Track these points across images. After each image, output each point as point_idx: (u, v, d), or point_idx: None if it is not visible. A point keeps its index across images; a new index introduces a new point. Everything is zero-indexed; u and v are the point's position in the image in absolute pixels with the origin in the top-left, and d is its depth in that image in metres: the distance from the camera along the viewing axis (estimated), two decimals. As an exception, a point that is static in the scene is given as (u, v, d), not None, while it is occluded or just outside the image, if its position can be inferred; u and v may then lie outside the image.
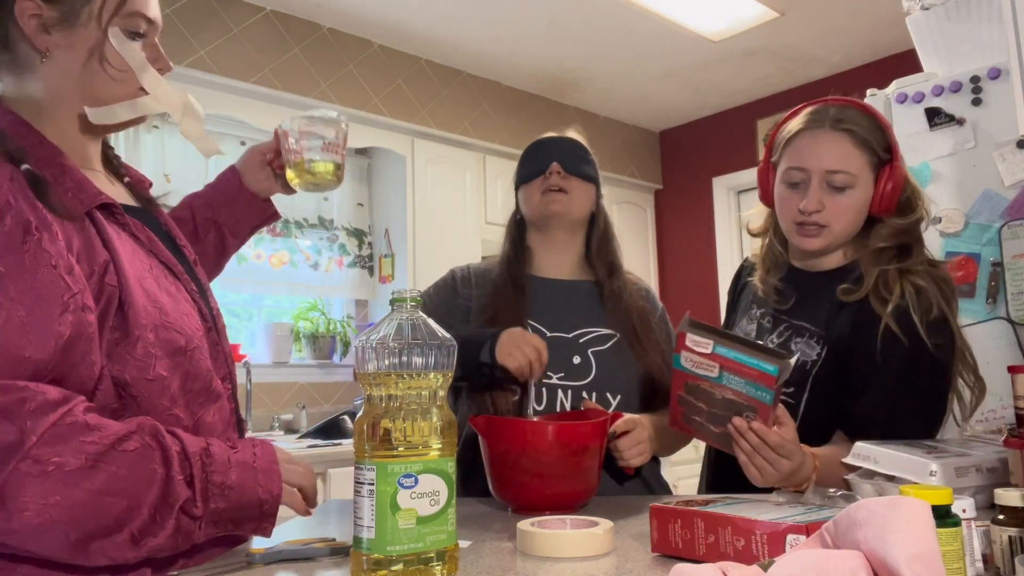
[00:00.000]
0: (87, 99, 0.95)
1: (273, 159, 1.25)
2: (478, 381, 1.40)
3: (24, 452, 0.74)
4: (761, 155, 1.65)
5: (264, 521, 0.87)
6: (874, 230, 1.32)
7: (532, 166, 1.50)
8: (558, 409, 1.37)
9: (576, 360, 1.41)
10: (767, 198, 1.41)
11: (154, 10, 0.99)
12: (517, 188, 1.56)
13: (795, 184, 1.31)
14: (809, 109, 1.33)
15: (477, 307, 1.48)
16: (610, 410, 1.37)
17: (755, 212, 1.50)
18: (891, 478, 1.02)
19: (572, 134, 1.57)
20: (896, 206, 1.31)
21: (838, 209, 1.28)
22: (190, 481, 0.82)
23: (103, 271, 0.86)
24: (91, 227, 0.89)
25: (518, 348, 1.31)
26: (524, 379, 1.33)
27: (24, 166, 0.85)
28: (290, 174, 1.21)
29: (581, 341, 1.43)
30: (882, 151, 1.29)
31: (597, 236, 1.54)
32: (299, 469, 0.94)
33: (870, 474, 1.06)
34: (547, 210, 1.48)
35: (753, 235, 1.50)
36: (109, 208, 0.94)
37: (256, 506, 0.86)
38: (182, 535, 0.81)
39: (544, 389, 1.39)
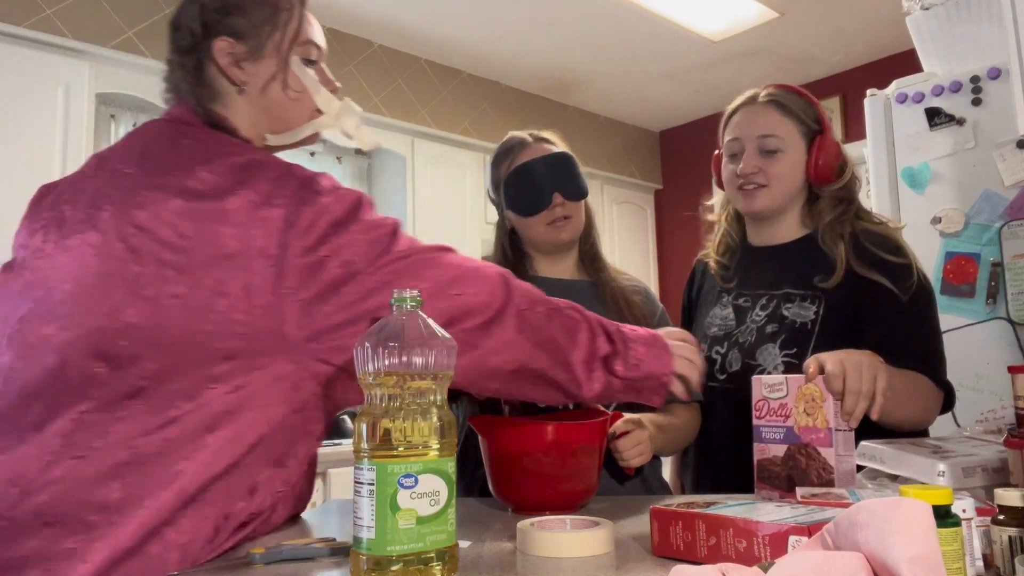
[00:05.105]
0: (270, 121, 1.06)
1: None
2: (451, 403, 1.38)
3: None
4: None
5: (658, 392, 1.08)
6: (819, 204, 1.44)
7: (530, 199, 1.44)
8: (560, 408, 1.36)
9: None
10: (721, 183, 1.53)
11: (321, 38, 1.11)
12: (506, 209, 1.49)
13: (734, 155, 1.45)
14: (745, 94, 1.50)
15: None
16: (611, 409, 1.36)
17: (715, 200, 1.61)
18: (895, 478, 1.02)
19: (550, 137, 1.51)
20: (833, 175, 1.42)
21: (772, 170, 1.41)
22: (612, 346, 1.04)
23: None
24: None
25: None
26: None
27: None
28: None
29: None
30: (811, 121, 1.43)
31: (589, 238, 1.54)
32: (686, 358, 1.10)
33: (874, 474, 1.06)
34: (558, 239, 1.46)
35: (711, 220, 1.62)
36: None
37: (655, 378, 1.07)
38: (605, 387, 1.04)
39: None
